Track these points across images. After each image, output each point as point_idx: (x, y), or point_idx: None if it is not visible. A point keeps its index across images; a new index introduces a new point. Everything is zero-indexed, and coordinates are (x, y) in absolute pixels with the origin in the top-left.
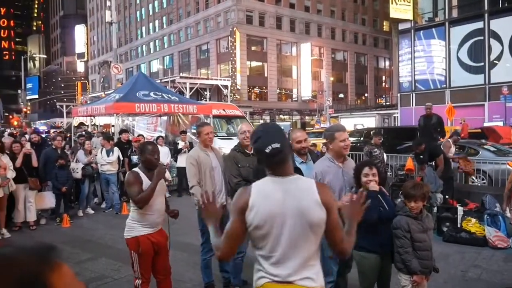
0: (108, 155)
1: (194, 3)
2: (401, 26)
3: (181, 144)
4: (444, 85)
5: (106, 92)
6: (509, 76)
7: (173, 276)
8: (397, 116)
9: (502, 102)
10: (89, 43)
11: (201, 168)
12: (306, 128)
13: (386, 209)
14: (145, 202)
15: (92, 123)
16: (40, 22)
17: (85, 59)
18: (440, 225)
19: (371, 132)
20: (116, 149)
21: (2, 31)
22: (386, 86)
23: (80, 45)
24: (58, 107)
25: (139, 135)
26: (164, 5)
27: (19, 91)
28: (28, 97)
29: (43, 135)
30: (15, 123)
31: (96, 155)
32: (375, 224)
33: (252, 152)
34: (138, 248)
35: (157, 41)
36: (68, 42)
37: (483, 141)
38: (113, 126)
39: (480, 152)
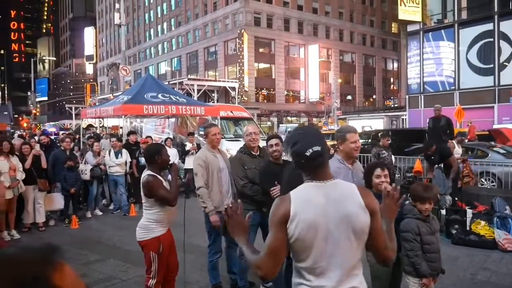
0: (116, 157)
1: (202, 5)
2: (410, 28)
3: (188, 146)
4: (453, 87)
5: (114, 94)
6: None
7: (180, 277)
8: (405, 118)
9: None
10: (98, 45)
11: (208, 169)
12: None
13: None
14: (176, 201)
15: (101, 125)
16: (49, 24)
17: (94, 61)
18: (449, 227)
19: (379, 134)
20: (124, 150)
21: (12, 33)
22: (395, 88)
23: (89, 47)
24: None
25: (147, 136)
26: (173, 8)
27: (29, 93)
28: (37, 99)
29: (52, 137)
30: (25, 125)
31: (104, 156)
32: None
33: (258, 153)
34: (159, 248)
35: (165, 43)
36: (77, 45)
37: (493, 143)
38: (121, 128)
39: (490, 154)
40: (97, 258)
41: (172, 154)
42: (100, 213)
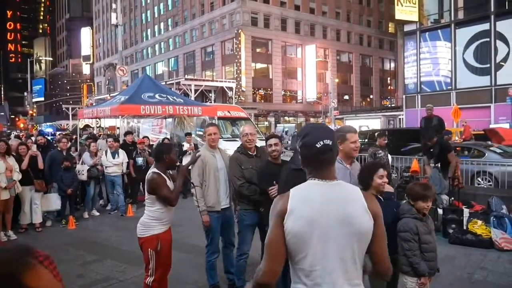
0: (113, 157)
1: (199, 5)
2: (407, 28)
3: (186, 146)
4: (450, 87)
5: (111, 94)
6: None
7: (178, 277)
8: (402, 118)
9: (509, 104)
10: (95, 45)
11: (206, 168)
12: None
13: (394, 210)
14: (177, 201)
15: (98, 125)
16: (46, 24)
17: (91, 61)
18: (446, 227)
19: (375, 134)
20: (121, 151)
21: (8, 34)
22: (392, 87)
23: (85, 48)
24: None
25: (144, 137)
26: (170, 8)
27: (25, 94)
28: (34, 100)
29: (49, 138)
30: (21, 125)
31: (101, 157)
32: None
33: (255, 154)
34: (157, 245)
35: (162, 43)
36: (74, 45)
37: (489, 142)
38: (118, 128)
39: (486, 154)
40: (94, 259)
41: None
42: (97, 213)
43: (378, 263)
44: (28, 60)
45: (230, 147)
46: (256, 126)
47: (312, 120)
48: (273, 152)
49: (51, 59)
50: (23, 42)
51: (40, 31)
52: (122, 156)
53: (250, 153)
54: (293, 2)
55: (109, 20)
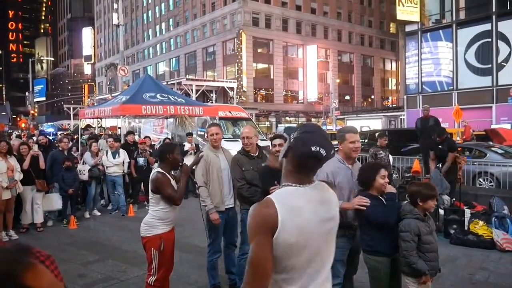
0: (114, 157)
1: (200, 5)
2: (408, 28)
3: (187, 146)
4: (451, 87)
5: (112, 94)
6: None
7: (179, 277)
8: (403, 118)
9: (510, 104)
10: (96, 45)
11: (209, 168)
12: None
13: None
14: (181, 201)
15: (99, 125)
16: (47, 24)
17: (92, 61)
18: (447, 227)
19: (376, 134)
20: (122, 151)
21: (10, 33)
22: (393, 88)
23: (87, 48)
24: (65, 109)
25: (146, 137)
26: (171, 8)
27: (27, 94)
28: (35, 100)
29: (50, 137)
30: (23, 125)
31: (102, 156)
32: (389, 226)
33: (256, 155)
34: (161, 245)
35: (163, 43)
36: (75, 45)
37: (491, 143)
38: (119, 128)
39: (488, 154)
40: (96, 259)
41: None
42: (99, 213)
43: None
44: (30, 60)
45: (231, 148)
46: (257, 126)
47: (313, 120)
48: (277, 152)
49: (52, 59)
50: (25, 42)
51: (42, 31)
52: (123, 156)
53: (252, 154)
54: (294, 2)
55: (110, 20)
